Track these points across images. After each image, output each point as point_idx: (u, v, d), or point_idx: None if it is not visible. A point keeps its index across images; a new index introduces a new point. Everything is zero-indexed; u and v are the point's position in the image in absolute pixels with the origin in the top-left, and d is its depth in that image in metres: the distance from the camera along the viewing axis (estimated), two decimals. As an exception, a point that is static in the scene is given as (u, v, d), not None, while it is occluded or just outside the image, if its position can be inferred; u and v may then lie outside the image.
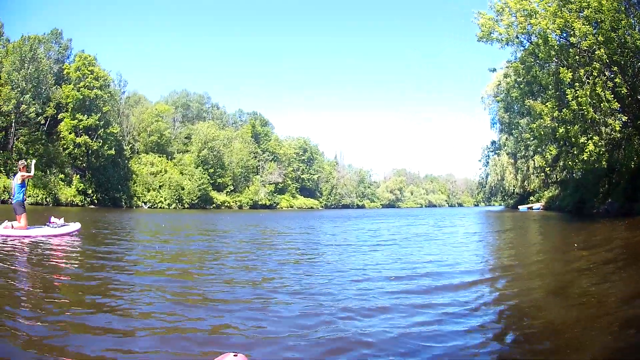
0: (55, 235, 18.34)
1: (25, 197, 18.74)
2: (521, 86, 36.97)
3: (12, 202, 18.53)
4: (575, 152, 30.93)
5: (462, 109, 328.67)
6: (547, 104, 31.17)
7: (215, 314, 7.34)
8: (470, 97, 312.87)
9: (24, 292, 8.60)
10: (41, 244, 15.87)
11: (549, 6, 30.67)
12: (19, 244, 15.40)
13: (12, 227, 17.61)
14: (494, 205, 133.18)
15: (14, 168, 61.78)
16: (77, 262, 12.55)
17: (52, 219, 19.36)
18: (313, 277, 10.20)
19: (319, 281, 9.62)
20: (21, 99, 64.35)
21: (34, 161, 20.47)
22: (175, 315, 7.15)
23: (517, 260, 13.69)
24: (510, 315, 7.53)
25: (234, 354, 4.68)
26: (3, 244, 15.19)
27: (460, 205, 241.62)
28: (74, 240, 17.61)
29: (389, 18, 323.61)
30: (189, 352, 5.60)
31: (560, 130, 29.99)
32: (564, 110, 29.54)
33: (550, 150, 34.14)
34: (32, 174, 19.51)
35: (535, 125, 33.56)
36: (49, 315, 6.88)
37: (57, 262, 12.43)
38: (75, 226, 19.87)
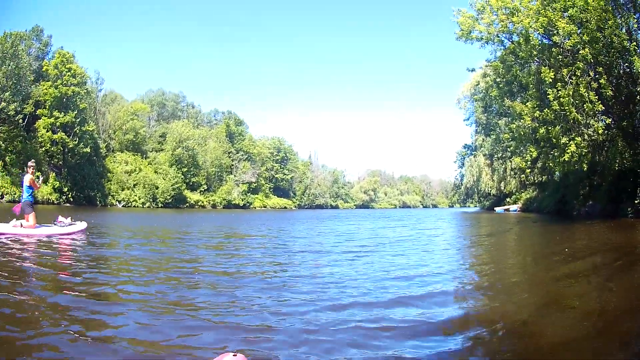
0: (63, 234, 18.47)
1: (33, 197, 18.85)
2: (500, 85, 36.50)
3: (21, 202, 18.52)
4: (556, 154, 30.81)
5: (438, 110, 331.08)
6: (527, 103, 30.94)
7: (213, 315, 7.21)
8: (446, 98, 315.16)
9: (29, 291, 8.42)
10: (49, 243, 15.89)
11: (532, 5, 30.64)
12: (28, 243, 15.49)
13: (22, 225, 17.62)
14: (469, 206, 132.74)
15: None
16: (81, 261, 12.40)
17: (60, 218, 19.49)
18: (281, 298, 8.63)
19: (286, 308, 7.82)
20: (1, 96, 63.41)
21: (41, 178, 20.46)
22: (175, 317, 7.06)
23: (507, 269, 12.80)
24: (510, 335, 6.67)
25: (233, 354, 4.65)
26: (13, 242, 15.24)
27: (434, 206, 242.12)
28: (80, 239, 17.73)
29: (362, 18, 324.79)
30: (189, 353, 5.53)
31: (541, 131, 29.57)
32: (545, 110, 29.26)
33: (531, 151, 33.87)
34: (39, 186, 19.68)
35: (514, 125, 33.37)
36: (52, 314, 6.84)
37: (63, 261, 12.39)
38: (81, 225, 20.14)
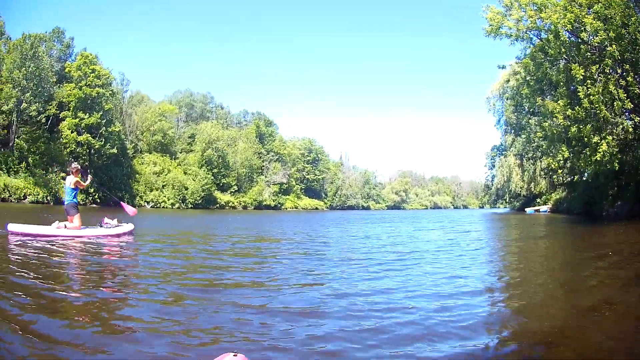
0: (109, 236, 18.49)
1: (77, 199, 18.88)
2: (531, 83, 35.97)
3: (64, 204, 18.58)
4: (588, 153, 29.98)
5: (468, 110, 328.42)
6: (559, 101, 30.30)
7: (214, 314, 7.24)
8: (475, 98, 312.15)
9: (72, 292, 8.53)
10: (95, 245, 15.97)
11: (558, 1, 30.11)
12: (73, 244, 15.66)
13: (66, 227, 17.71)
14: (498, 207, 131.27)
15: (14, 166, 61.57)
16: (117, 266, 12.35)
17: (106, 220, 19.60)
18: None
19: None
20: (22, 97, 63.93)
21: (90, 177, 20.57)
22: (176, 316, 7.05)
23: (556, 277, 11.88)
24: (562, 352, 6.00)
25: (233, 354, 4.58)
26: (56, 243, 15.34)
27: (465, 207, 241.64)
28: (126, 241, 17.86)
29: (392, 16, 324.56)
30: (188, 353, 5.51)
31: (573, 130, 29.14)
32: (576, 108, 28.68)
33: (562, 151, 32.86)
34: (85, 184, 19.67)
35: (547, 124, 32.67)
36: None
37: (107, 263, 12.57)
38: (128, 227, 20.03)
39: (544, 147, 43.57)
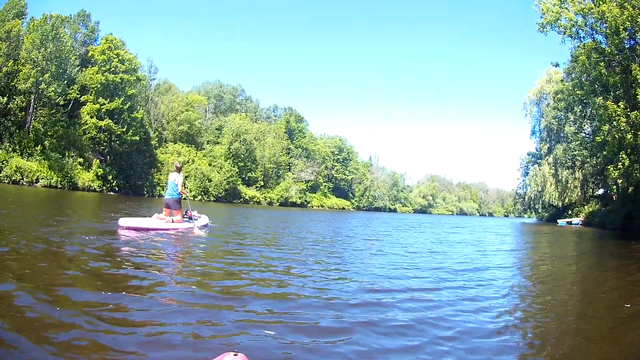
0: (202, 227, 19.55)
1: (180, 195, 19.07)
2: (585, 85, 33.63)
3: (166, 197, 18.95)
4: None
5: (499, 117, 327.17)
6: (619, 103, 27.82)
7: (215, 313, 6.81)
8: (506, 105, 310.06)
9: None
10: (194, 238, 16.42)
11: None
12: (191, 237, 16.40)
13: (172, 221, 18.26)
14: (523, 217, 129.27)
15: (29, 148, 60.61)
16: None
17: (190, 212, 19.93)
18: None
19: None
20: (40, 78, 62.27)
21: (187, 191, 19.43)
22: (178, 314, 6.64)
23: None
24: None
25: (234, 353, 4.40)
26: (179, 237, 16.20)
27: (490, 214, 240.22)
28: (207, 232, 18.74)
29: (429, 22, 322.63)
30: (188, 352, 5.23)
31: (628, 137, 27.26)
32: (634, 112, 26.64)
33: (623, 158, 30.13)
34: (185, 194, 19.54)
35: (605, 127, 30.11)
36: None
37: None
38: (206, 219, 21.23)
39: (606, 153, 40.63)
